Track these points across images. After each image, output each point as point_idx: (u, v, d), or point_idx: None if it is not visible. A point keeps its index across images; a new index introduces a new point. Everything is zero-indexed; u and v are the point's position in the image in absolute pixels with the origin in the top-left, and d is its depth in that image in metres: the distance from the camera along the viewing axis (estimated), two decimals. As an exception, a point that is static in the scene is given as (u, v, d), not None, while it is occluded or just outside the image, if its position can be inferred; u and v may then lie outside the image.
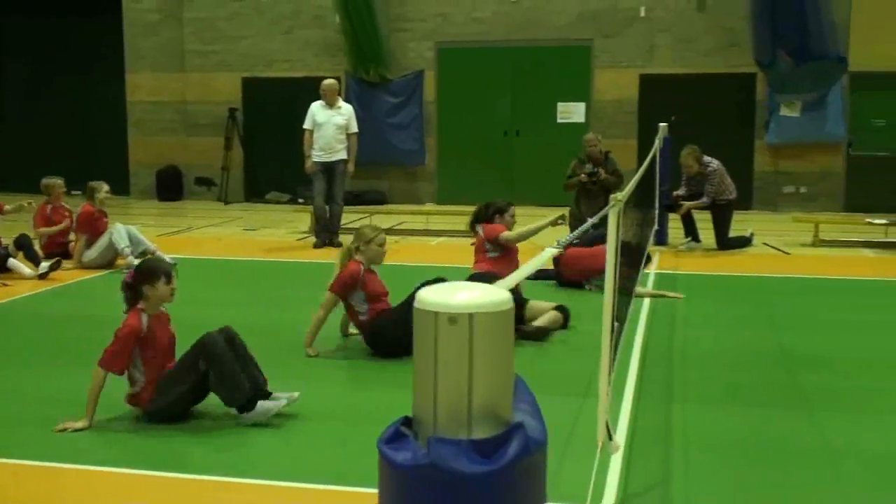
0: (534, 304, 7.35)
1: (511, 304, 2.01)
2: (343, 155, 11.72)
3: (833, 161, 15.63)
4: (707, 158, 11.60)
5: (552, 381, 5.67)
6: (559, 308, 7.34)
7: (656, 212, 11.86)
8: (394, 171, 16.96)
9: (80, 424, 4.97)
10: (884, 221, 12.11)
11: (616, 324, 4.18)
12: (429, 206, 16.24)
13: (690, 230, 11.77)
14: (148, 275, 5.12)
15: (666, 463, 4.62)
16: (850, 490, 4.30)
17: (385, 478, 1.99)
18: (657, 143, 11.24)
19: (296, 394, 5.18)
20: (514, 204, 8.34)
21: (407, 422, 2.04)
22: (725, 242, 11.45)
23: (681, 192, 11.83)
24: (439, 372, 1.94)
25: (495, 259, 7.77)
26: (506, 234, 7.84)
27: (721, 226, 11.55)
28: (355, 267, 6.49)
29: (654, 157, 10.26)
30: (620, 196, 3.62)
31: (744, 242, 11.50)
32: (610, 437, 4.22)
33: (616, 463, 4.46)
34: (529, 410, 2.09)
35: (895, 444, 4.91)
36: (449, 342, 1.93)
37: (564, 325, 7.28)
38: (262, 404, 5.04)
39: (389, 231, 13.18)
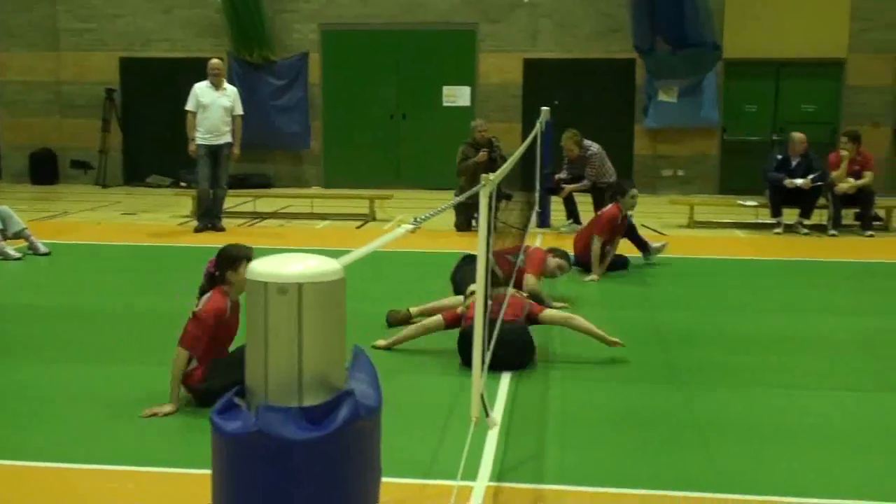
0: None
1: (341, 275, 2.03)
2: (229, 138, 11.50)
3: (708, 145, 16.18)
4: (587, 142, 11.86)
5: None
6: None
7: (538, 194, 12.07)
8: (279, 154, 16.77)
9: (167, 409, 4.92)
10: (754, 203, 12.61)
11: (489, 302, 4.26)
12: (315, 190, 16.13)
13: (572, 212, 12.02)
14: (231, 260, 5.04)
15: (542, 437, 4.74)
16: (719, 459, 4.49)
17: (217, 448, 2.01)
18: (538, 126, 11.42)
19: None
20: None
21: (241, 392, 2.06)
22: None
23: (562, 175, 12.07)
24: (270, 341, 1.96)
25: None
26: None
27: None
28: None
29: (534, 141, 10.42)
30: (493, 177, 3.68)
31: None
32: (487, 414, 4.31)
33: (493, 438, 4.55)
34: (366, 379, 2.13)
35: (762, 416, 5.15)
36: (279, 312, 1.96)
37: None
38: None
39: (274, 215, 13.11)
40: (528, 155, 11.91)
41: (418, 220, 2.93)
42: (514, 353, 5.73)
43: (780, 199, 11.95)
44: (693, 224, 12.41)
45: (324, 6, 16.50)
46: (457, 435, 4.37)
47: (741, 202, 12.84)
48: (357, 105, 16.66)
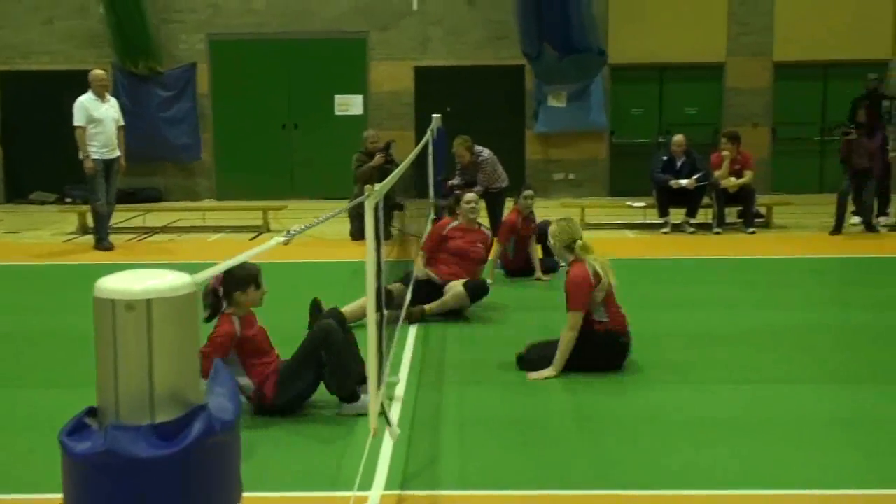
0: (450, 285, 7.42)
1: (192, 290, 2.03)
2: (118, 151, 11.26)
3: (597, 148, 16.54)
4: (478, 148, 11.97)
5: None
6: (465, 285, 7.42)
7: (432, 201, 12.13)
8: (169, 167, 16.45)
9: None
10: (642, 204, 12.94)
11: (385, 311, 4.28)
12: (207, 203, 15.88)
13: (466, 218, 12.11)
14: (239, 282, 5.07)
15: (442, 443, 4.77)
16: (614, 454, 4.61)
17: (66, 470, 1.99)
18: (429, 133, 11.51)
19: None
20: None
21: (92, 412, 2.04)
22: (498, 226, 11.86)
23: (455, 181, 12.15)
24: (119, 359, 1.95)
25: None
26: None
27: (494, 212, 11.95)
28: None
29: (425, 148, 10.49)
30: (378, 187, 3.70)
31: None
32: (388, 423, 4.34)
33: (392, 447, 4.57)
34: (225, 393, 2.13)
35: (659, 410, 5.30)
36: (127, 329, 1.95)
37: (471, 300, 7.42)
38: (365, 398, 4.95)
39: (165, 229, 12.86)
40: (422, 162, 11.99)
41: (291, 231, 2.93)
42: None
43: (667, 199, 12.31)
44: (584, 226, 12.64)
45: (211, 16, 16.27)
46: (363, 445, 4.36)
47: (630, 203, 13.17)
48: (248, 116, 16.48)
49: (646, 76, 16.43)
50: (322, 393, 5.21)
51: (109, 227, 11.54)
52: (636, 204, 13.05)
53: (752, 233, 12.05)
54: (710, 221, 12.38)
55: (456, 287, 7.37)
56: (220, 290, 5.08)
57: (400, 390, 5.59)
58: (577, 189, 16.29)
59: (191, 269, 2.20)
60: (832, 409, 5.33)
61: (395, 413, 5.08)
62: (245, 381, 5.08)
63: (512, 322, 7.39)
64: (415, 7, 16.13)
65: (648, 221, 12.85)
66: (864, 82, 12.92)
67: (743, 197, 12.37)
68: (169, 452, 1.93)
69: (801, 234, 12.18)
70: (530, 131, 16.41)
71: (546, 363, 5.86)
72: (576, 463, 4.52)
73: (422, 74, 16.32)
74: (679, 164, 12.35)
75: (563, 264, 8.90)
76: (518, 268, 9.23)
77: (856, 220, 12.32)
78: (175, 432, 1.95)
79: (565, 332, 5.84)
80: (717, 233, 12.10)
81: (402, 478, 4.32)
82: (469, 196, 7.99)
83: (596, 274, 5.85)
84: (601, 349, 5.92)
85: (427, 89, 16.24)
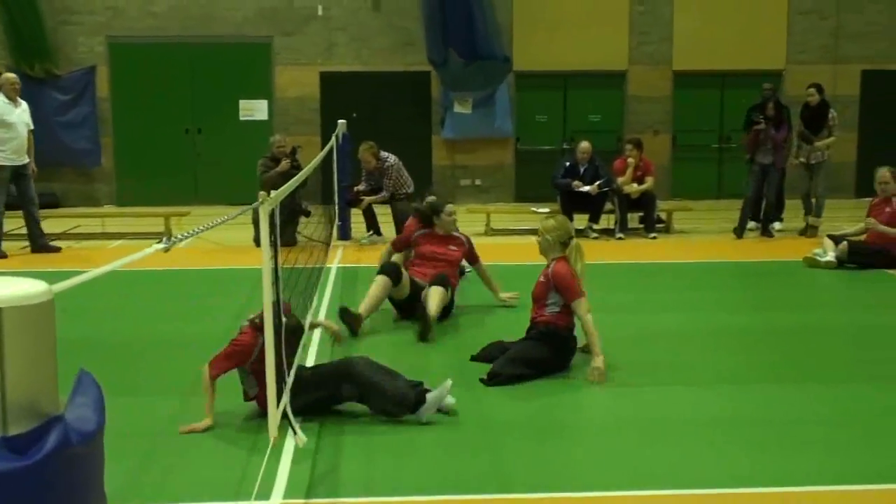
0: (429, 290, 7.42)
1: (48, 298, 1.98)
2: (27, 157, 11.00)
3: (503, 155, 16.69)
4: (384, 154, 11.98)
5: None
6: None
7: (336, 207, 12.09)
8: (67, 172, 15.99)
9: (204, 424, 4.96)
10: (547, 210, 13.07)
11: (284, 318, 4.23)
12: (108, 209, 15.49)
13: (372, 224, 12.09)
14: None
15: (346, 450, 4.74)
16: (506, 459, 4.64)
17: None
18: (333, 139, 11.46)
19: (448, 381, 5.20)
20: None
21: None
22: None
23: (361, 187, 12.13)
24: None
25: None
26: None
27: (400, 219, 11.94)
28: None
29: (330, 154, 10.42)
30: (274, 194, 3.66)
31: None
32: (294, 431, 4.28)
33: (297, 455, 4.52)
34: (88, 403, 2.08)
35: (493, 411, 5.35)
36: None
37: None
38: (430, 396, 5.09)
39: (62, 236, 12.48)
40: (327, 168, 11.91)
41: (171, 239, 2.87)
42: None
43: (571, 205, 12.48)
44: (490, 232, 12.77)
45: (110, 19, 15.89)
46: (271, 454, 4.30)
47: (534, 209, 13.30)
48: (150, 120, 16.13)
49: (550, 84, 16.65)
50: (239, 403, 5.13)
51: (5, 233, 11.18)
52: (541, 210, 13.18)
53: (654, 238, 12.31)
54: (612, 227, 12.61)
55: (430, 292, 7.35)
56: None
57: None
58: (483, 195, 16.41)
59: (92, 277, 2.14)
60: (753, 408, 5.47)
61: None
62: (251, 387, 5.11)
63: (410, 327, 7.38)
64: (320, 12, 16.04)
65: (553, 227, 12.98)
66: (760, 91, 13.33)
67: (644, 203, 12.63)
68: (21, 466, 1.86)
69: (700, 238, 12.50)
70: (437, 137, 16.47)
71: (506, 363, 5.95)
72: (476, 467, 4.54)
73: (328, 80, 16.23)
74: (582, 170, 12.54)
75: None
76: None
77: (752, 224, 12.70)
78: (28, 445, 1.89)
79: (587, 318, 6.02)
80: (620, 238, 12.32)
81: (307, 485, 4.28)
82: (449, 207, 8.06)
83: (576, 274, 6.11)
84: (554, 345, 6.10)
85: (333, 95, 16.16)
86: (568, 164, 12.72)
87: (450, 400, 5.20)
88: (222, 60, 16.10)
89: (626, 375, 6.08)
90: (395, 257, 8.30)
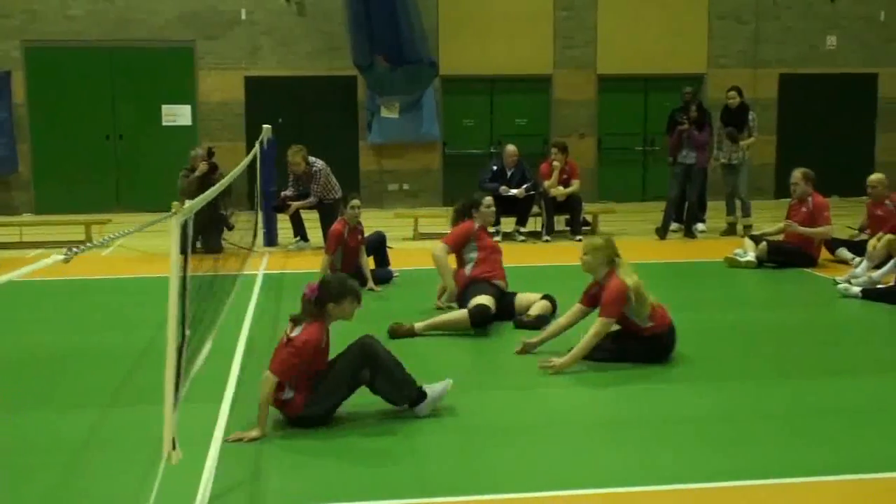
0: (521, 296, 7.66)
1: None
2: None
3: (431, 159, 16.69)
4: (312, 159, 11.87)
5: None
6: (546, 297, 7.62)
7: (261, 213, 11.95)
8: (-18, 180, 15.54)
9: (254, 433, 4.85)
10: (475, 214, 13.10)
11: (188, 332, 4.13)
12: (25, 217, 15.06)
13: (299, 230, 11.97)
14: (337, 294, 5.08)
15: (259, 461, 4.66)
16: (432, 464, 4.61)
17: None
18: (258, 144, 11.32)
19: (449, 380, 5.32)
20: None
21: None
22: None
23: (288, 192, 11.99)
24: None
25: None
26: (439, 252, 7.83)
27: (328, 224, 11.83)
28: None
29: (254, 160, 10.30)
30: (189, 204, 3.57)
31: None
32: (174, 447, 4.17)
33: (210, 465, 4.42)
34: None
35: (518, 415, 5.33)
36: None
37: (553, 312, 7.52)
38: (431, 391, 5.19)
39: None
40: (252, 173, 11.76)
41: (73, 250, 2.78)
42: None
43: (498, 208, 12.46)
44: (418, 236, 12.74)
45: (26, 22, 15.47)
46: (183, 468, 4.20)
47: (461, 212, 13.29)
48: (69, 126, 15.75)
49: (477, 88, 16.70)
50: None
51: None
52: (469, 213, 13.20)
53: (580, 240, 12.38)
54: (539, 230, 12.68)
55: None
56: (314, 299, 5.05)
57: (224, 407, 5.42)
58: (411, 199, 16.38)
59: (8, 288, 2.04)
60: (672, 407, 5.52)
61: (217, 431, 4.93)
62: (288, 389, 5.01)
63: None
64: (244, 16, 15.85)
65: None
66: (682, 94, 13.55)
67: (570, 205, 12.73)
68: None
69: (625, 240, 12.61)
70: (364, 142, 16.39)
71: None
72: (397, 473, 4.50)
73: (252, 84, 16.04)
74: (509, 174, 12.60)
75: (396, 274, 8.97)
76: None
77: (675, 225, 12.89)
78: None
79: (590, 337, 6.14)
80: (546, 241, 12.40)
81: (225, 494, 4.20)
82: (488, 200, 8.13)
83: (629, 288, 6.17)
84: (647, 349, 6.31)
85: (258, 99, 15.98)
86: (495, 167, 12.76)
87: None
88: (143, 65, 15.80)
89: (557, 377, 6.10)
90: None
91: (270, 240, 12.01)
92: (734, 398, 5.66)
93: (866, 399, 5.65)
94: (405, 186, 16.60)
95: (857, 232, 10.78)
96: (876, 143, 17.50)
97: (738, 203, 13.04)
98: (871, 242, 9.35)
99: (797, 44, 17.11)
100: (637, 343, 6.31)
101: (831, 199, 11.77)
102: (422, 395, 5.20)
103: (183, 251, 3.93)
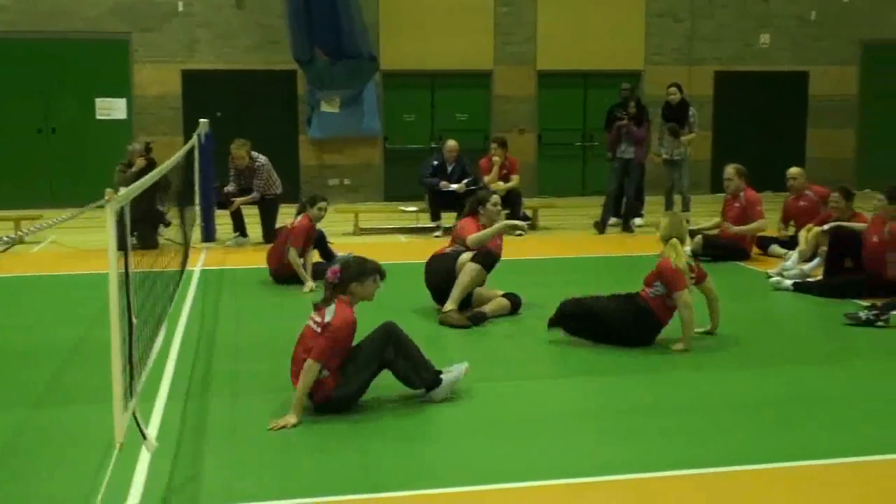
0: (482, 291, 7.61)
1: None
2: None
3: (372, 154, 16.64)
4: (254, 154, 11.77)
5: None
6: (508, 295, 7.71)
7: (199, 208, 11.80)
8: None
9: (293, 420, 4.97)
10: (415, 209, 13.13)
11: (135, 320, 4.08)
12: (-46, 213, 14.65)
13: (239, 226, 11.85)
14: (360, 273, 5.21)
15: (206, 457, 4.60)
16: (374, 459, 4.61)
17: None
18: (195, 138, 11.19)
19: (466, 364, 5.50)
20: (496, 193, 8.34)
21: None
22: (272, 233, 11.70)
23: (231, 188, 11.85)
24: None
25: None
26: (470, 237, 7.67)
27: (269, 220, 11.77)
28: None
29: (191, 154, 10.16)
30: (119, 196, 3.51)
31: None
32: (144, 437, 4.14)
33: (148, 462, 4.36)
34: None
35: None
36: None
37: (514, 310, 7.67)
38: (446, 377, 5.36)
39: None
40: (189, 168, 11.60)
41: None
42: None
43: (439, 203, 12.53)
44: (359, 231, 12.70)
45: (-47, 12, 15.09)
46: (124, 463, 4.14)
47: (403, 208, 13.32)
48: (-1, 120, 15.39)
49: (418, 83, 16.69)
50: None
51: None
52: (409, 208, 13.23)
53: (520, 235, 12.46)
54: (480, 224, 12.70)
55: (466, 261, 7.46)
56: (337, 281, 5.17)
57: (158, 403, 5.35)
58: (352, 194, 16.31)
59: None
60: (609, 398, 5.58)
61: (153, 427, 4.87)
62: (323, 372, 5.10)
63: (281, 329, 7.26)
64: (180, 9, 15.63)
65: (421, 226, 13.03)
66: (619, 91, 13.71)
67: (510, 200, 12.75)
68: None
69: (565, 234, 12.74)
70: (304, 137, 16.28)
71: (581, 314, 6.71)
72: (343, 469, 4.49)
73: (189, 78, 15.82)
74: (450, 169, 12.62)
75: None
76: (281, 274, 9.03)
77: (614, 220, 13.03)
78: None
79: (685, 311, 6.52)
80: (487, 235, 12.42)
81: (164, 493, 4.14)
82: (495, 198, 8.07)
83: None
84: (640, 323, 6.65)
85: (195, 93, 15.77)
86: (436, 162, 12.77)
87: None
88: (77, 57, 15.49)
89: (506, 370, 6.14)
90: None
91: (208, 235, 11.86)
92: (676, 389, 5.74)
93: (798, 388, 5.79)
94: (346, 181, 16.53)
95: (784, 229, 10.90)
96: (807, 139, 17.89)
97: (677, 198, 13.23)
98: (801, 234, 9.57)
99: (732, 42, 17.40)
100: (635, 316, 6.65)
101: (765, 194, 12.03)
102: (438, 380, 5.35)
103: (122, 243, 3.86)
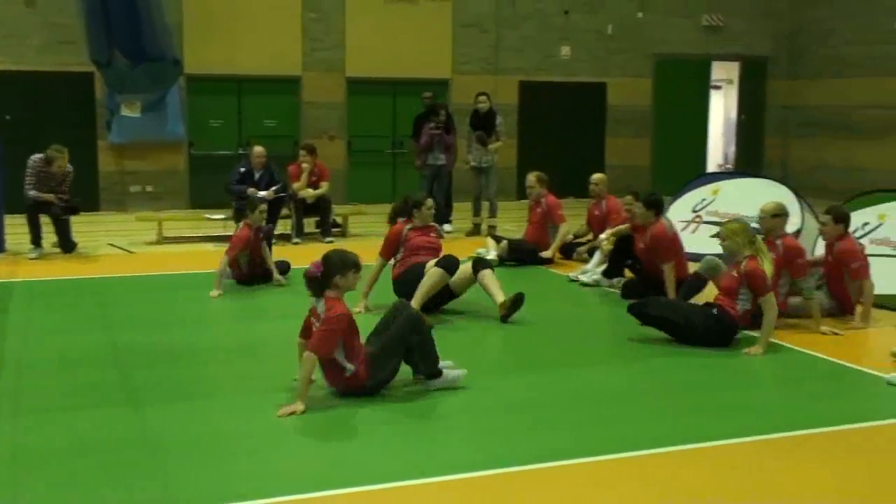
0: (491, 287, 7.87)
1: None
2: None
3: (176, 160, 16.13)
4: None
5: None
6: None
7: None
8: None
9: (301, 407, 5.23)
10: (222, 216, 12.80)
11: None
12: None
13: (37, 237, 11.17)
14: (340, 266, 5.48)
15: (16, 476, 4.32)
16: (174, 476, 4.45)
17: None
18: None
19: (463, 371, 5.85)
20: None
21: None
22: (69, 245, 11.18)
23: (50, 196, 11.17)
24: None
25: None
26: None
27: (68, 229, 11.25)
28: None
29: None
30: None
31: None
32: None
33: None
34: None
35: (217, 425, 5.20)
36: None
37: (517, 306, 7.78)
38: (447, 373, 5.75)
39: None
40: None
41: None
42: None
43: (244, 210, 12.24)
44: (162, 240, 12.27)
45: None
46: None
47: (208, 216, 12.97)
48: None
49: (224, 88, 16.33)
50: None
51: None
52: (215, 216, 12.89)
53: (330, 242, 12.41)
54: (289, 232, 12.57)
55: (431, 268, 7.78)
56: (319, 275, 5.44)
57: None
58: (156, 202, 15.73)
59: None
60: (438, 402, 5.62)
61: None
62: (347, 364, 5.41)
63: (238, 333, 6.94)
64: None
65: (228, 234, 12.69)
66: (421, 99, 13.91)
67: (320, 207, 12.72)
68: None
69: (375, 241, 12.72)
70: (103, 142, 15.59)
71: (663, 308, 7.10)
72: (135, 486, 4.31)
73: (-28, 79, 14.84)
74: (258, 175, 12.40)
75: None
76: (254, 274, 9.23)
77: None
78: None
79: (771, 312, 6.70)
80: (297, 243, 12.31)
81: None
82: (429, 202, 8.51)
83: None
84: (720, 331, 6.84)
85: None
86: (243, 169, 12.51)
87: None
88: None
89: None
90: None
91: (-1, 245, 11.16)
92: (499, 391, 5.86)
93: (602, 386, 6.04)
94: (148, 188, 15.93)
95: (586, 235, 11.38)
96: (605, 147, 18.72)
97: (485, 204, 13.54)
98: (600, 238, 10.02)
99: (535, 53, 17.98)
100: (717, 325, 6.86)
101: (567, 199, 12.51)
102: (439, 373, 5.73)
103: None
